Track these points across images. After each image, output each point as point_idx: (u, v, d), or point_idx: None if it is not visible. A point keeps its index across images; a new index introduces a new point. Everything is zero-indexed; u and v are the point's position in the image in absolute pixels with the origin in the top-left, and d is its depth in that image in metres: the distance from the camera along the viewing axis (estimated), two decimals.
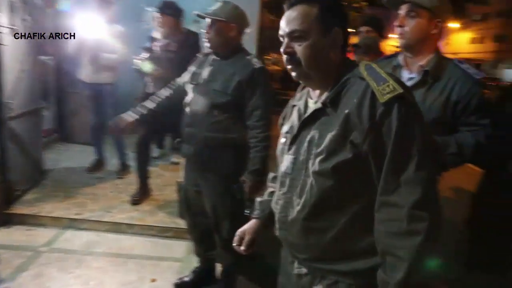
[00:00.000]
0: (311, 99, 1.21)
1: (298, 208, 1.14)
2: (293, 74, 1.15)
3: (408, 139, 0.99)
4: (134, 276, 2.51)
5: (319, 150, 1.08)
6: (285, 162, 1.20)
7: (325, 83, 1.14)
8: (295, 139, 1.18)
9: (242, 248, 1.40)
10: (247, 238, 1.41)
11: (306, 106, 1.22)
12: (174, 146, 4.41)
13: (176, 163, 4.34)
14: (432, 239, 0.98)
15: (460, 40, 41.03)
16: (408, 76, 1.70)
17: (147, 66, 3.35)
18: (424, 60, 1.66)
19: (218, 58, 2.16)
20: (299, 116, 1.21)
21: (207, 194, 2.24)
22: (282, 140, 1.27)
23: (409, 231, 0.97)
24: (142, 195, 3.44)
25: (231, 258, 2.28)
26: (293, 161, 1.17)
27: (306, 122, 1.15)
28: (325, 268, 1.15)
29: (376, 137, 1.00)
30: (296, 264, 1.24)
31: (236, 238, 1.44)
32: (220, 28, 2.07)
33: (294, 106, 1.29)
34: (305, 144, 1.13)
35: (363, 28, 3.41)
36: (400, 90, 0.99)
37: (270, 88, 2.23)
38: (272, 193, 1.40)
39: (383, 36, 3.34)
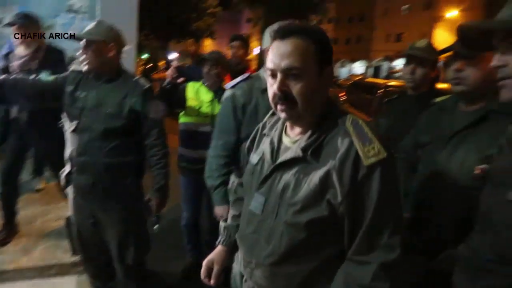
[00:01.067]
0: (286, 135, 1.15)
1: (265, 253, 1.11)
2: (284, 114, 1.06)
3: (388, 205, 0.99)
4: None
5: (293, 201, 1.04)
6: (254, 201, 1.15)
7: (310, 123, 1.08)
8: (266, 179, 1.13)
9: (212, 281, 1.32)
10: (216, 268, 1.33)
11: (280, 140, 1.16)
12: (35, 170, 3.96)
13: (41, 190, 3.94)
14: None
15: None
16: None
17: None
18: None
19: (101, 81, 2.07)
20: (272, 151, 1.15)
21: (109, 224, 2.14)
22: (250, 168, 1.22)
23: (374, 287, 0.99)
24: (8, 233, 3.02)
25: (135, 285, 2.25)
26: (263, 203, 1.12)
27: (281, 165, 1.10)
28: None
29: (356, 199, 0.99)
30: None
31: (203, 270, 1.35)
32: (98, 49, 2.00)
33: (264, 134, 1.24)
34: (279, 189, 1.08)
35: (234, 43, 3.66)
36: (384, 154, 0.98)
37: (160, 105, 2.24)
38: (235, 217, 1.35)
39: (247, 52, 3.71)
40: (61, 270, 2.73)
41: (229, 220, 1.42)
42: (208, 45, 31.92)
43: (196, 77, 2.77)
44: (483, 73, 1.41)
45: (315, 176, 1.02)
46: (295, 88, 1.02)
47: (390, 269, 0.99)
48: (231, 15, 38.89)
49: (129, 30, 2.56)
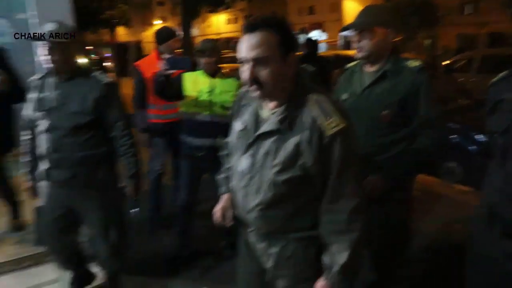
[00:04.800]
0: (262, 109, 1.38)
1: (255, 202, 1.38)
2: (256, 93, 1.29)
3: (347, 163, 1.26)
4: None
5: (274, 163, 1.30)
6: (243, 162, 1.40)
7: (280, 99, 1.32)
8: (251, 145, 1.37)
9: (228, 222, 1.58)
10: (229, 212, 1.59)
11: (257, 112, 1.41)
12: None
13: None
14: (364, 235, 1.30)
15: (218, 22, 45.47)
16: None
17: None
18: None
19: (62, 80, 2.16)
20: (254, 121, 1.40)
21: (90, 211, 2.30)
22: (237, 133, 1.46)
23: (348, 230, 1.28)
24: None
25: (119, 262, 2.49)
26: (251, 166, 1.37)
27: (262, 135, 1.34)
28: (278, 237, 1.42)
29: (323, 162, 1.25)
30: (253, 237, 1.50)
31: (218, 215, 1.61)
32: (63, 48, 2.07)
33: (245, 105, 1.48)
34: (261, 153, 1.34)
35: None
36: (343, 125, 1.23)
37: (121, 98, 2.36)
38: (229, 168, 1.60)
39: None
40: (36, 260, 2.86)
41: (224, 172, 1.67)
42: (122, 33, 30.62)
43: (188, 68, 2.79)
44: (375, 44, 1.91)
45: (289, 144, 1.28)
46: (263, 73, 1.24)
47: (357, 211, 1.29)
48: None
49: None
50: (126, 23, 22.82)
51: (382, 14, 1.96)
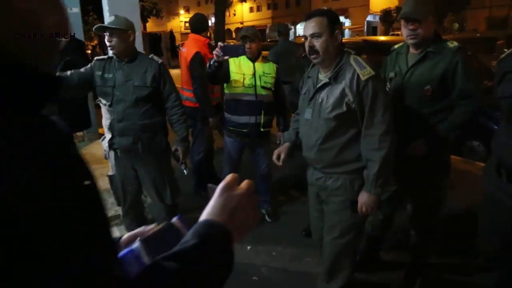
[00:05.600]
0: (321, 74, 1.95)
1: (315, 138, 1.92)
2: (314, 59, 1.86)
3: (378, 100, 1.77)
4: None
5: (326, 106, 1.85)
6: (307, 113, 1.97)
7: (331, 64, 1.87)
8: (312, 99, 1.94)
9: (281, 163, 2.14)
10: (283, 155, 2.18)
11: (317, 78, 1.97)
12: None
13: None
14: (392, 153, 1.78)
15: (242, 10, 45.48)
16: None
17: None
18: None
19: (123, 62, 2.58)
20: (313, 83, 1.97)
21: (148, 174, 2.74)
22: (302, 97, 2.05)
23: (379, 147, 1.78)
24: None
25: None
26: (312, 113, 1.94)
27: (319, 89, 1.91)
28: (332, 171, 1.93)
29: (360, 99, 1.78)
30: (314, 172, 2.04)
31: (274, 156, 2.21)
32: (121, 36, 2.50)
33: (309, 77, 2.05)
34: (318, 102, 1.90)
35: None
36: (372, 73, 1.76)
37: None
38: (295, 129, 2.18)
39: None
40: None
41: (291, 130, 2.29)
42: (150, 23, 31.26)
43: (235, 54, 2.92)
44: (427, 31, 2.17)
45: (337, 91, 1.83)
46: (317, 44, 1.83)
47: (386, 134, 1.78)
48: None
49: (135, 22, 3.06)
50: (157, 14, 23.29)
51: (431, 3, 2.23)
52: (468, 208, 3.52)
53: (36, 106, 0.52)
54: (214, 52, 2.79)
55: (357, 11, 30.51)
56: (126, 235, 0.85)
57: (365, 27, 20.97)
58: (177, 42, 18.69)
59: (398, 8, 30.04)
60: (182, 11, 51.78)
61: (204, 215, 0.68)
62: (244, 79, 3.00)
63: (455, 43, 2.20)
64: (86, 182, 0.51)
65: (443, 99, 2.18)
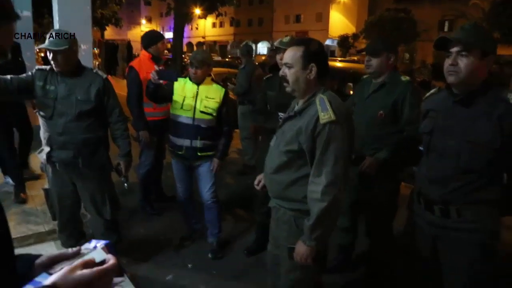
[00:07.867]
0: (297, 104, 1.87)
1: (269, 166, 1.89)
2: (285, 87, 1.82)
3: (330, 148, 1.65)
4: None
5: (285, 138, 1.80)
6: (273, 139, 1.93)
7: (303, 96, 1.80)
8: (280, 127, 1.90)
9: (260, 188, 2.07)
10: (263, 181, 2.05)
11: (294, 107, 1.90)
12: None
13: None
14: (333, 208, 1.67)
15: (205, 25, 45.68)
16: None
17: None
18: None
19: (66, 76, 2.52)
20: (289, 112, 1.90)
21: (87, 188, 2.68)
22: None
23: (321, 199, 1.65)
24: None
25: (115, 236, 2.86)
26: (275, 141, 1.90)
27: (287, 119, 1.85)
28: (280, 204, 1.88)
29: (313, 142, 1.69)
30: (271, 200, 1.97)
31: (256, 182, 2.10)
32: (65, 54, 2.45)
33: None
34: (281, 132, 1.85)
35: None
36: (333, 118, 1.64)
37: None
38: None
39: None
40: (38, 238, 3.15)
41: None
42: (109, 31, 30.61)
43: (170, 79, 2.93)
44: (379, 63, 2.53)
45: (296, 126, 1.76)
46: (288, 73, 1.78)
47: (332, 187, 1.66)
48: None
49: (85, 33, 3.01)
50: (116, 23, 22.89)
51: (388, 42, 2.67)
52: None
53: None
54: (151, 74, 2.81)
55: (316, 34, 31.51)
56: (46, 256, 0.85)
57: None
58: (135, 51, 18.38)
59: (354, 35, 31.54)
60: (144, 21, 51.16)
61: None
62: (184, 100, 2.93)
63: (407, 77, 2.60)
64: None
65: (393, 124, 2.52)
